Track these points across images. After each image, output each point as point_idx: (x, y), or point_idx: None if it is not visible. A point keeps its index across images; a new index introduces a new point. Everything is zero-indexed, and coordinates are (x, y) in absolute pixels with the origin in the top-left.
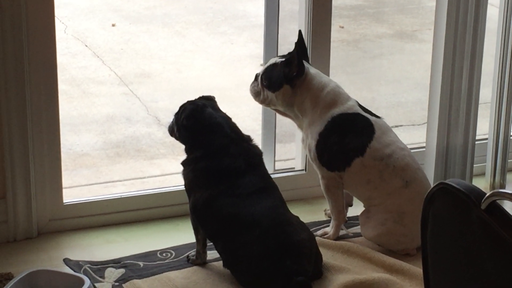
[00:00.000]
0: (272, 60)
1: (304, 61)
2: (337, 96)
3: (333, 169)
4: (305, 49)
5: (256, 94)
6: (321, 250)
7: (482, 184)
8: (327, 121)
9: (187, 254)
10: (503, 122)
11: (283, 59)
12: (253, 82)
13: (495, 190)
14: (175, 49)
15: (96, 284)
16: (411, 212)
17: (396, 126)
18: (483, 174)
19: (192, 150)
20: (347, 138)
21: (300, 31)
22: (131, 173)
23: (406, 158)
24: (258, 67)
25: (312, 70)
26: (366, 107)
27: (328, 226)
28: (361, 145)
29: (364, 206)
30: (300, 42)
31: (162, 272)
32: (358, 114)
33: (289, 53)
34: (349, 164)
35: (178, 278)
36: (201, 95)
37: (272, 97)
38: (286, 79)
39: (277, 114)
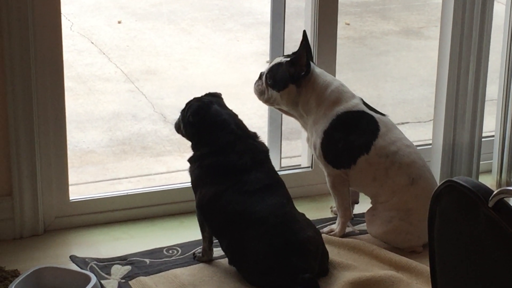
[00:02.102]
0: (277, 60)
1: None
2: (341, 94)
3: (339, 167)
4: (310, 48)
5: (260, 93)
6: (327, 247)
7: (488, 181)
8: (332, 119)
9: (193, 251)
10: (510, 119)
11: (288, 59)
12: (257, 81)
13: (503, 188)
14: (181, 46)
15: (102, 281)
16: (417, 210)
17: (402, 123)
18: (489, 171)
19: (198, 147)
20: (352, 135)
21: (304, 31)
22: (137, 170)
23: (412, 155)
24: (264, 64)
25: (316, 69)
26: (372, 104)
27: (334, 223)
28: (366, 143)
29: (371, 203)
30: (305, 42)
31: (168, 269)
32: (363, 112)
33: (294, 53)
34: (354, 162)
35: (184, 275)
36: (207, 92)
37: (276, 96)
38: (292, 79)
39: None
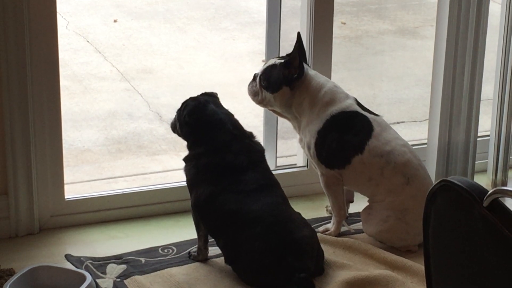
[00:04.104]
0: (272, 61)
1: (303, 63)
2: (335, 95)
3: (332, 167)
4: (304, 50)
5: (254, 94)
6: (323, 246)
7: (483, 181)
8: (326, 119)
9: (188, 250)
10: (505, 119)
11: (282, 61)
12: (251, 82)
13: (498, 188)
14: (176, 45)
15: (97, 280)
16: (413, 209)
17: (398, 123)
18: (484, 171)
19: (194, 147)
20: (345, 136)
21: (299, 33)
22: (132, 169)
23: (406, 154)
24: (260, 63)
25: (310, 71)
26: (368, 104)
27: (330, 222)
28: (360, 143)
29: (369, 202)
30: (299, 44)
31: (164, 268)
32: (357, 112)
33: (288, 55)
34: (349, 162)
35: (179, 274)
36: (203, 92)
37: (270, 98)
38: (286, 81)
39: None
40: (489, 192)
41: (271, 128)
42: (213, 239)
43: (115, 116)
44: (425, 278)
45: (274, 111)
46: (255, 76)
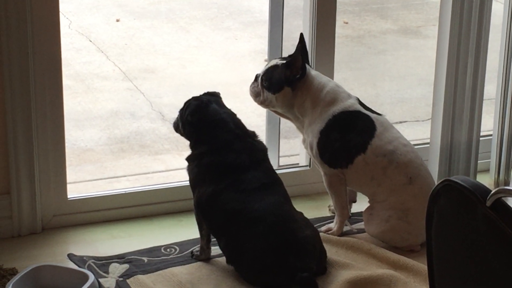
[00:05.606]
0: (273, 62)
1: (305, 63)
2: (336, 95)
3: (335, 166)
4: (306, 51)
5: (256, 95)
6: (325, 246)
7: (486, 180)
8: (328, 119)
9: (191, 249)
10: (508, 119)
11: (284, 61)
12: (253, 83)
13: (501, 188)
14: (179, 45)
15: (100, 280)
16: (415, 209)
17: (400, 122)
18: (487, 170)
19: (196, 146)
20: (348, 135)
21: (301, 34)
22: (135, 168)
23: (409, 154)
24: (262, 63)
25: (312, 71)
26: (370, 103)
27: (332, 222)
28: (362, 143)
29: (369, 202)
30: (301, 45)
31: (166, 268)
32: (359, 112)
33: (290, 56)
34: (352, 162)
35: (182, 273)
36: (206, 91)
37: (272, 98)
38: (287, 82)
39: None
40: (492, 192)
41: (273, 128)
42: (215, 238)
43: (117, 116)
44: (428, 277)
45: (276, 112)
46: (256, 77)
